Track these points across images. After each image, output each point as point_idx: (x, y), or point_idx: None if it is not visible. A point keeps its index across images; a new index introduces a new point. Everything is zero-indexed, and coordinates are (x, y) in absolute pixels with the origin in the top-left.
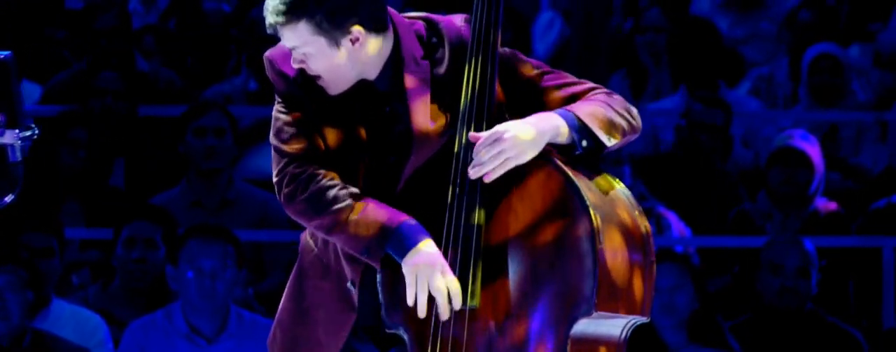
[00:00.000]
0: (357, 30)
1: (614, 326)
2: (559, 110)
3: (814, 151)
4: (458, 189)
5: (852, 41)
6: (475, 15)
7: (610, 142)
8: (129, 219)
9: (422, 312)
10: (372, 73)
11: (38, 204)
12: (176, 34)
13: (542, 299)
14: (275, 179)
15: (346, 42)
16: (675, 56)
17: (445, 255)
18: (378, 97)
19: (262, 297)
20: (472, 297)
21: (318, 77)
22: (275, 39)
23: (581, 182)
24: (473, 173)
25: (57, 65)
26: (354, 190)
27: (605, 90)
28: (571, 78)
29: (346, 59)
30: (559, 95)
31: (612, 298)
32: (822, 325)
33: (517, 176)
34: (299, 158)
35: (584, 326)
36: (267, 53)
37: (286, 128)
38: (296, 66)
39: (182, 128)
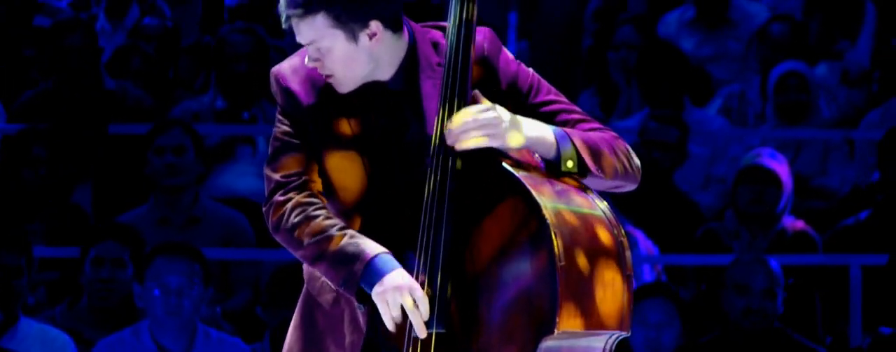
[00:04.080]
0: (375, 24)
1: (592, 343)
2: (553, 127)
3: (782, 169)
4: (430, 196)
5: (820, 60)
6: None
7: (595, 170)
8: (96, 238)
9: (391, 329)
10: (385, 74)
11: (6, 222)
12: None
13: (511, 319)
14: (263, 208)
15: (363, 37)
16: (642, 74)
17: (417, 276)
18: (389, 98)
19: (230, 315)
20: (441, 321)
21: (329, 76)
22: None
23: (545, 199)
24: (450, 139)
25: (24, 83)
26: (337, 221)
27: (614, 133)
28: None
29: (362, 55)
30: (564, 121)
31: (577, 315)
32: (788, 343)
33: (486, 197)
34: (286, 185)
35: (553, 344)
36: (274, 69)
37: (280, 151)
38: (310, 64)
39: (146, 146)
